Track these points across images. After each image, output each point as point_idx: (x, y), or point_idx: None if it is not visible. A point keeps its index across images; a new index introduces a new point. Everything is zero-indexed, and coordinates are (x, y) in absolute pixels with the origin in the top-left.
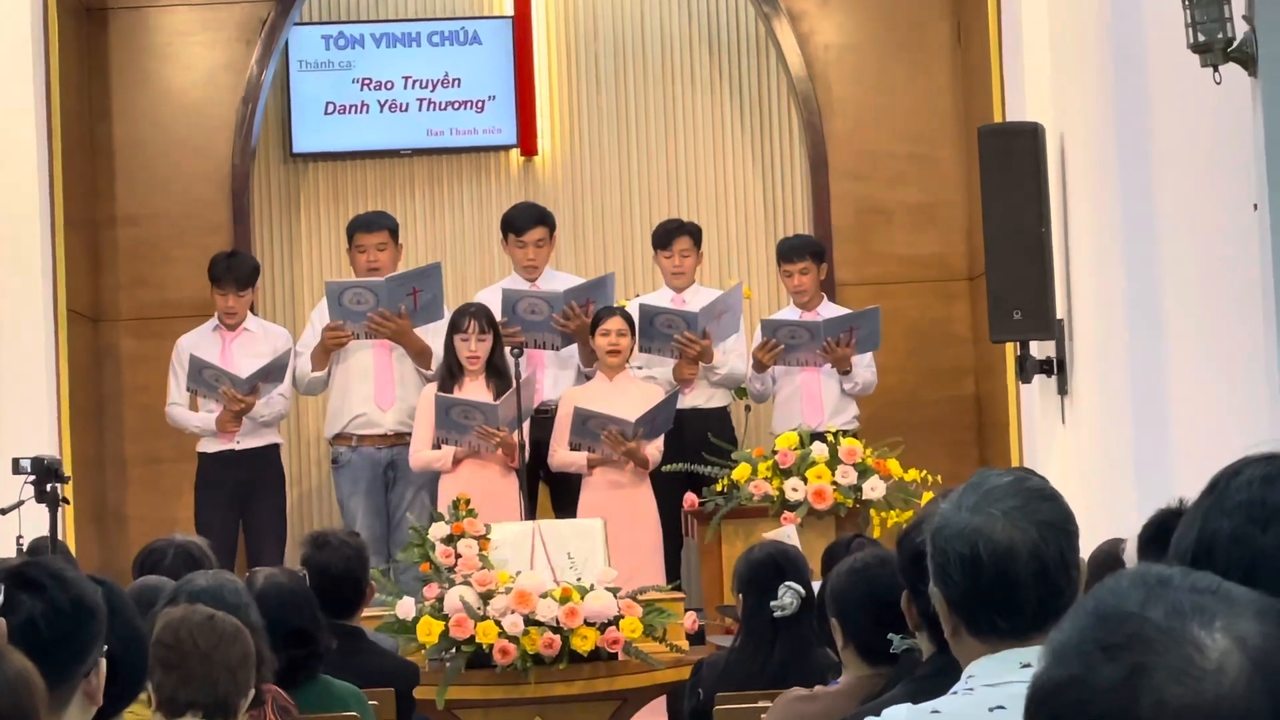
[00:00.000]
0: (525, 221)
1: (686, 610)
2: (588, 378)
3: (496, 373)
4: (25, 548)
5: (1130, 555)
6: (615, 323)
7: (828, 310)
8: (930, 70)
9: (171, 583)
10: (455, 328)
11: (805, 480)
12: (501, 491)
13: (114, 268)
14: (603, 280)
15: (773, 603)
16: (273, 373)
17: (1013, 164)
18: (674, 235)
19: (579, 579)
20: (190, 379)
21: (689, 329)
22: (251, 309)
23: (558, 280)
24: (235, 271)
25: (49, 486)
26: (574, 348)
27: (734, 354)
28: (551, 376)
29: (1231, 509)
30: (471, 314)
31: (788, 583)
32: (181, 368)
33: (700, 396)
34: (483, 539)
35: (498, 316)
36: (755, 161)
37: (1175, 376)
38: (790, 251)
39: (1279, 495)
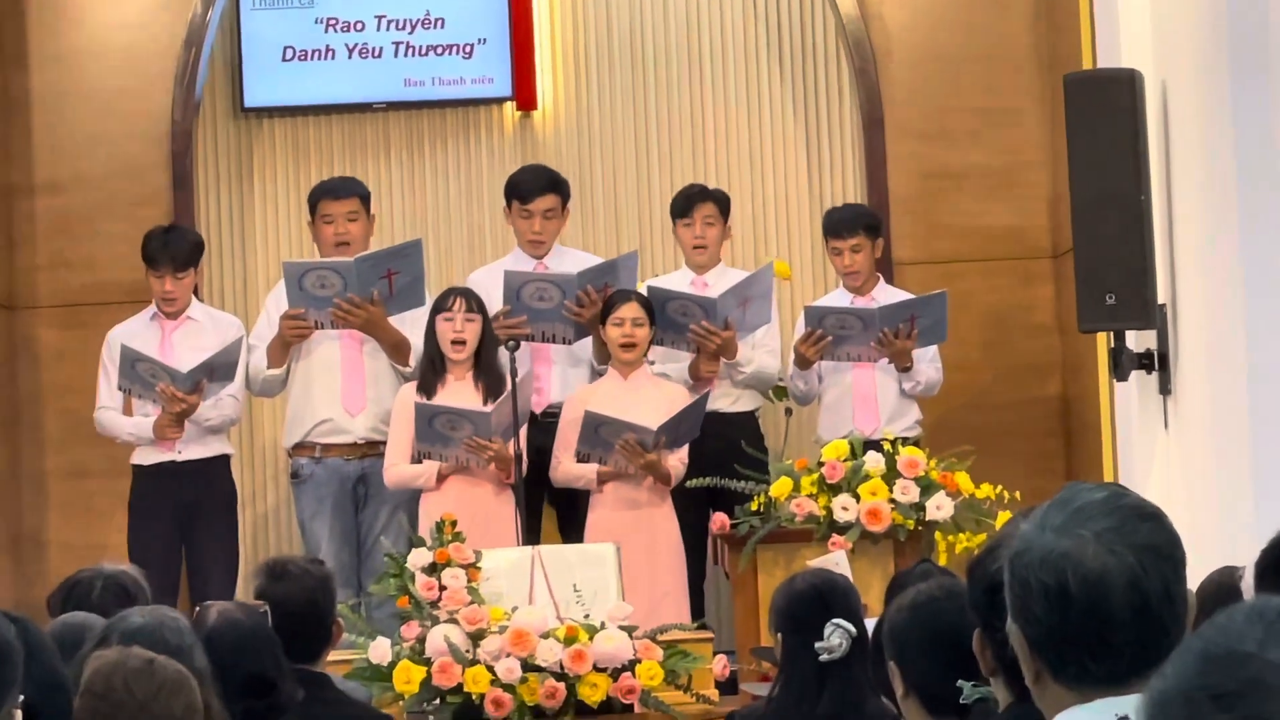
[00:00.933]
0: (534, 187)
1: (715, 653)
2: (602, 375)
3: (486, 370)
4: None
5: (1247, 586)
6: (630, 309)
7: (884, 294)
8: (1008, 7)
9: (100, 620)
10: (439, 308)
11: (857, 498)
12: (494, 511)
13: (31, 244)
14: (623, 260)
15: (818, 644)
16: (220, 367)
17: (1105, 119)
18: (696, 200)
19: (587, 615)
20: (121, 375)
21: (708, 318)
22: (196, 294)
23: (569, 259)
24: (172, 249)
25: None
26: (588, 341)
27: (764, 349)
28: (560, 374)
29: None
30: (458, 292)
31: (836, 620)
32: (113, 363)
33: (723, 399)
34: (472, 568)
35: (499, 303)
36: (797, 117)
37: None
38: (840, 225)
39: None
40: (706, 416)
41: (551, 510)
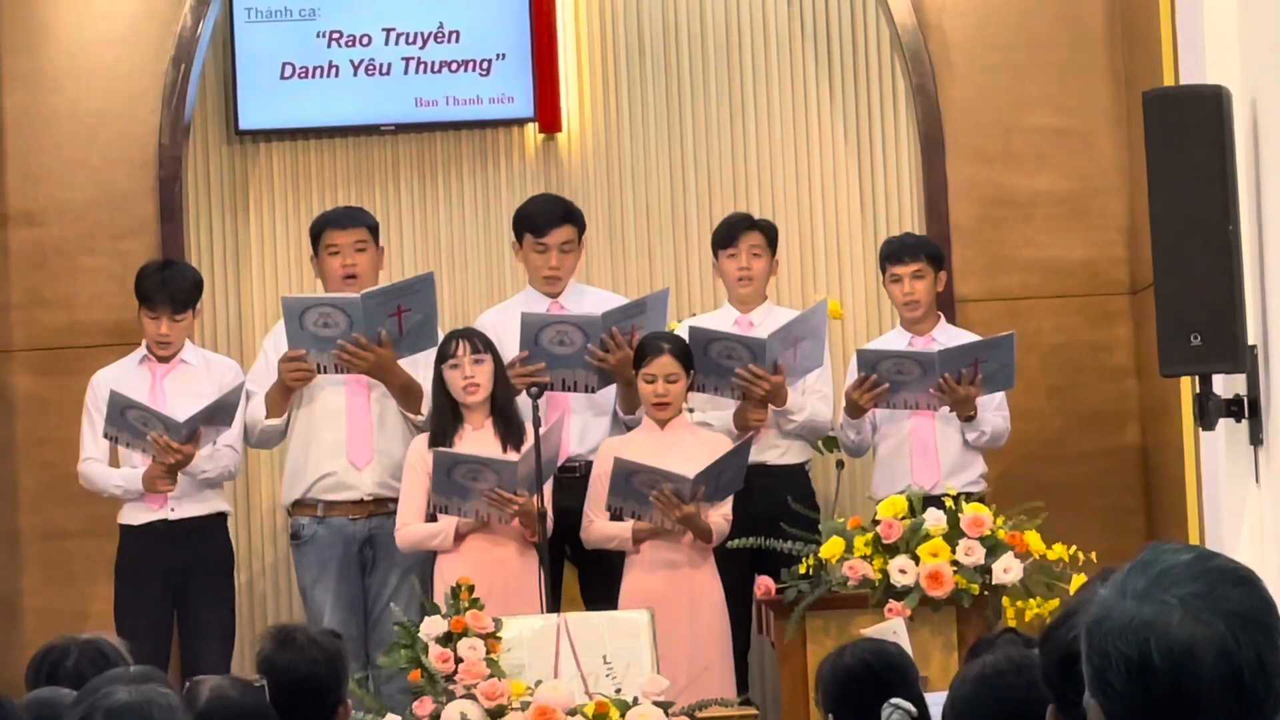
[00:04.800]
0: (547, 218)
1: None
2: (627, 428)
3: (503, 418)
4: None
5: None
6: (664, 364)
7: (945, 335)
8: (1080, 18)
9: (73, 694)
10: (443, 357)
11: (916, 559)
12: (516, 575)
13: (4, 282)
14: (650, 301)
15: None
16: (218, 414)
17: (1189, 140)
18: (741, 229)
19: (619, 690)
20: (109, 422)
21: (755, 361)
22: (189, 336)
23: (587, 297)
24: (172, 287)
25: None
26: (611, 390)
27: (815, 394)
28: (581, 425)
29: None
30: (460, 335)
31: (894, 701)
32: (98, 410)
33: (771, 450)
34: (492, 638)
35: (513, 348)
36: (848, 138)
37: None
38: (900, 249)
39: None
40: (753, 470)
41: (573, 572)
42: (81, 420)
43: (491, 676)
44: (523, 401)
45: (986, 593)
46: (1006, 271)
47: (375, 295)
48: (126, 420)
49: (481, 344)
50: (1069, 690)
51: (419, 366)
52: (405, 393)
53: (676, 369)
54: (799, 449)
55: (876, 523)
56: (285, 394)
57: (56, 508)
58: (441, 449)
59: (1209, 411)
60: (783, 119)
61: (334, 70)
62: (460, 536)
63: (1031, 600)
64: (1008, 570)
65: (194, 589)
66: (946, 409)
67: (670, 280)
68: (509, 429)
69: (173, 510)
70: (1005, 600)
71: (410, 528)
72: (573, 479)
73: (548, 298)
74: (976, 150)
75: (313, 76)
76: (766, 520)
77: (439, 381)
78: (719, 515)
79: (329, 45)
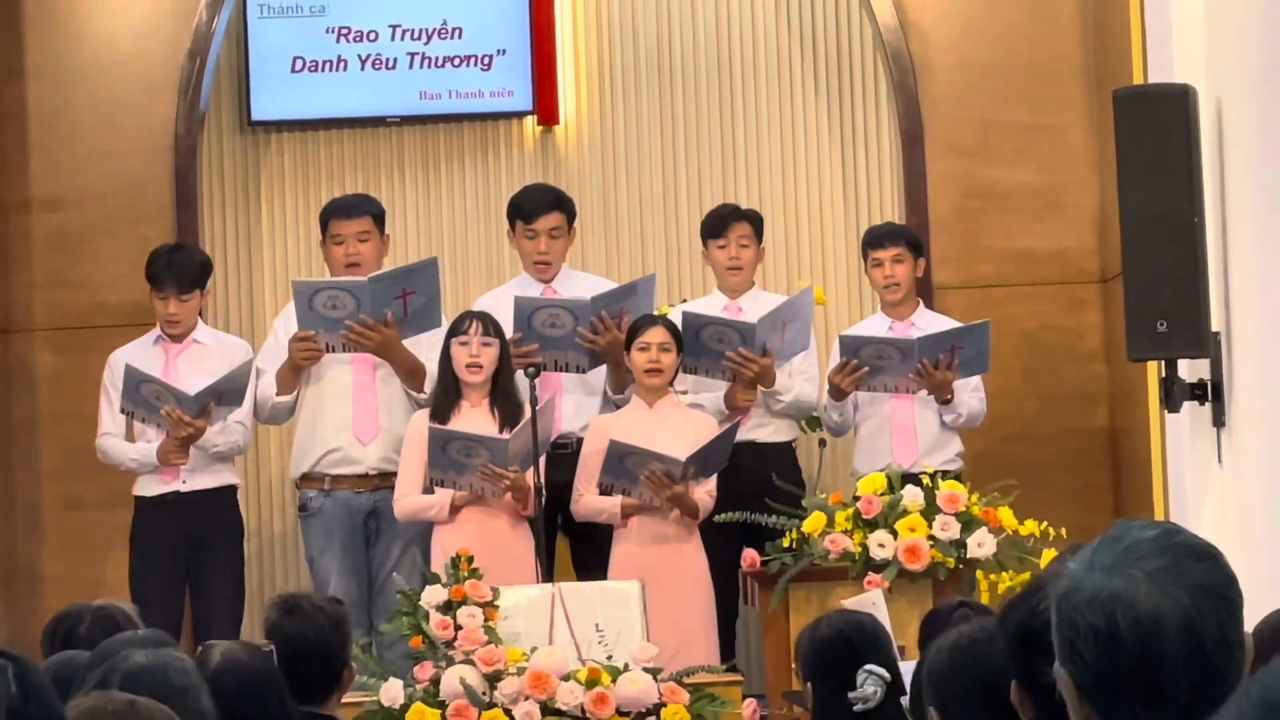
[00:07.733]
0: (536, 206)
1: (745, 697)
2: (616, 407)
3: (503, 397)
4: None
5: None
6: (657, 334)
7: (923, 320)
8: (1054, 19)
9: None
10: (454, 332)
11: (895, 534)
12: (512, 546)
13: (27, 264)
14: (638, 285)
15: (852, 694)
16: (229, 391)
17: (1157, 136)
18: (730, 220)
19: (610, 657)
20: (124, 397)
21: (745, 344)
22: (201, 316)
23: (577, 282)
24: (177, 270)
25: None
26: (602, 370)
27: (802, 375)
28: (573, 403)
29: None
30: (475, 315)
31: (869, 666)
32: (115, 387)
33: (760, 429)
34: (489, 606)
35: (509, 330)
36: (832, 132)
37: None
38: (881, 235)
39: None
40: (741, 447)
41: (565, 544)
42: (100, 396)
43: (489, 643)
44: (520, 380)
45: (961, 566)
46: (983, 260)
47: (381, 279)
48: (141, 394)
49: (492, 328)
50: (1028, 666)
51: (421, 347)
52: (410, 372)
53: (668, 339)
54: (787, 428)
55: (857, 499)
56: (295, 372)
57: (76, 480)
58: (436, 425)
59: (1174, 395)
60: (770, 113)
61: (342, 64)
62: (455, 508)
63: (1004, 573)
64: (982, 545)
65: (205, 558)
66: (925, 391)
67: (661, 265)
68: (506, 408)
69: (185, 483)
70: (979, 573)
71: (408, 498)
72: (565, 455)
73: (540, 283)
74: (955, 144)
75: (322, 70)
76: (755, 496)
77: (445, 357)
78: (704, 492)
79: (338, 40)
